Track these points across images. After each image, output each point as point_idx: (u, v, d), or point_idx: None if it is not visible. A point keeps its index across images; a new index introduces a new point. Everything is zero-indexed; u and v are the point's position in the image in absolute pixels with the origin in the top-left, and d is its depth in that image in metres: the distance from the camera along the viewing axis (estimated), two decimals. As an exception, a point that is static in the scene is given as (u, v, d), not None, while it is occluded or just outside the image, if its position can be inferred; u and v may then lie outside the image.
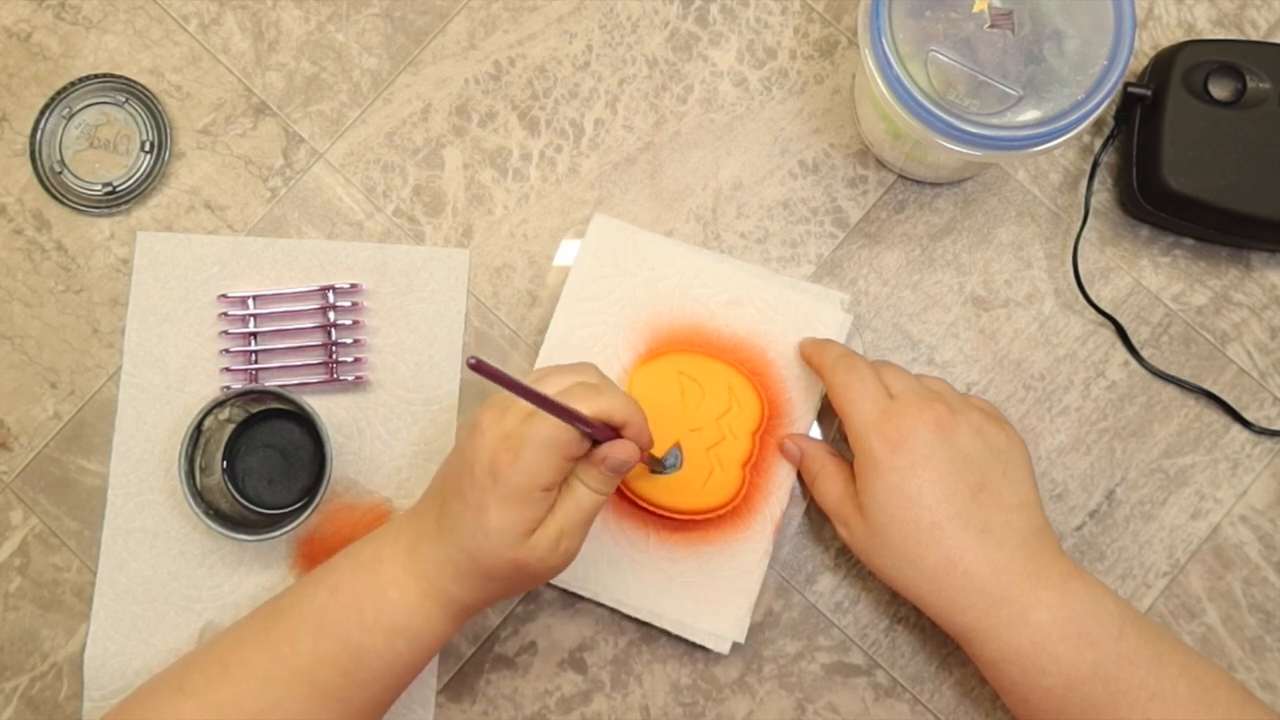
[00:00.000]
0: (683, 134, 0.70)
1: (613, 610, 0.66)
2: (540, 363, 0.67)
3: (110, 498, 0.67)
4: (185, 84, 0.70)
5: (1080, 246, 0.68)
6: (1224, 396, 0.67)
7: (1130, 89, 0.66)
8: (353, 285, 0.68)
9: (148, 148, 0.69)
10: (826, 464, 0.64)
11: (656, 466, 0.64)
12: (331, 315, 0.68)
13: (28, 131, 0.70)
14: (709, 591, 0.65)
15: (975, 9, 0.58)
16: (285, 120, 0.70)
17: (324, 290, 0.68)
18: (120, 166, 0.69)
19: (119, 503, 0.67)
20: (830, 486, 0.63)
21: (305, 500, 0.65)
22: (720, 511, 0.65)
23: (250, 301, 0.68)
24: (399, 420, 0.68)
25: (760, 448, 0.66)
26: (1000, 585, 0.58)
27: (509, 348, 0.69)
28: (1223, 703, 0.56)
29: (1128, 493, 0.67)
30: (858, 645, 0.67)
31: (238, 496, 0.67)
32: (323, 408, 0.66)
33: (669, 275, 0.67)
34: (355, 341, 0.68)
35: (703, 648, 0.66)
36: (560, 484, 0.55)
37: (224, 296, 0.68)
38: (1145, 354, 0.68)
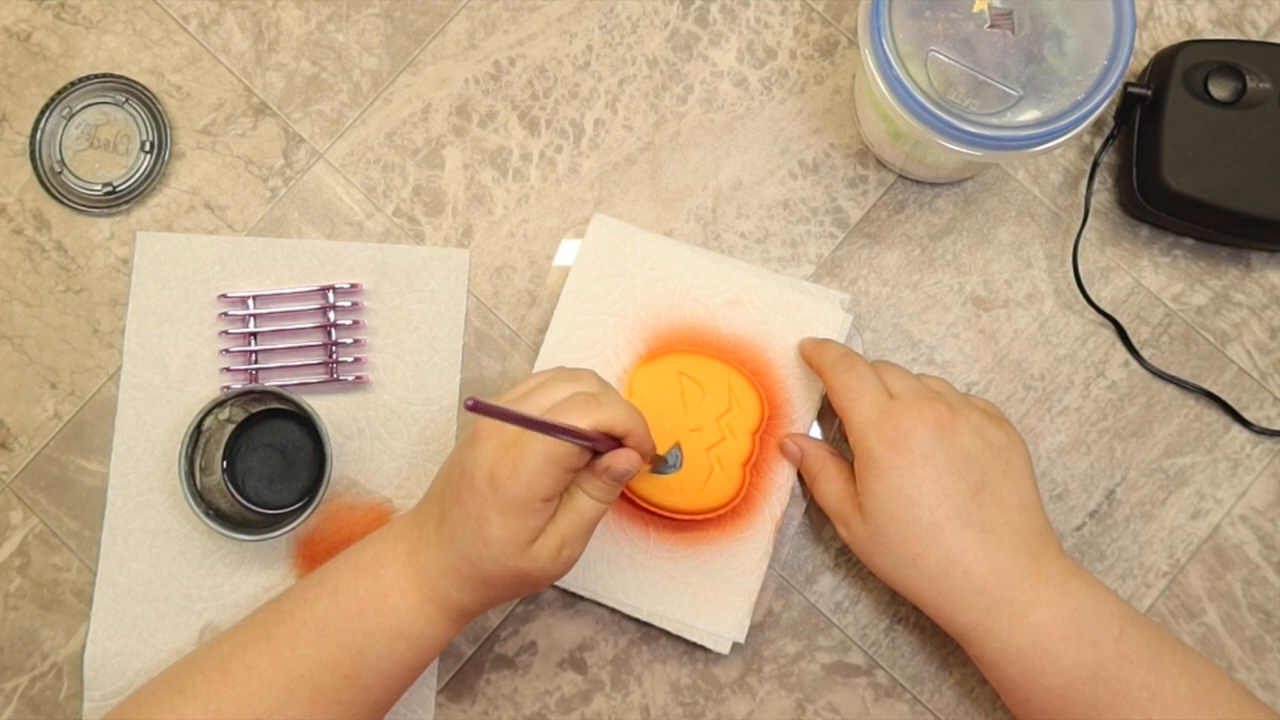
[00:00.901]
0: (683, 134, 0.70)
1: (613, 610, 0.66)
2: (540, 363, 0.67)
3: (110, 498, 0.67)
4: (185, 84, 0.70)
5: (1080, 246, 0.68)
6: (1224, 396, 0.67)
7: (1130, 89, 0.66)
8: (353, 285, 0.68)
9: (148, 148, 0.69)
10: (827, 464, 0.64)
11: (657, 465, 0.64)
12: (331, 315, 0.68)
13: (28, 131, 0.70)
14: (709, 591, 0.65)
15: (975, 9, 0.58)
16: (285, 120, 0.70)
17: (324, 290, 0.68)
18: (120, 166, 0.69)
19: (119, 503, 0.67)
20: (830, 486, 0.63)
21: (305, 500, 0.65)
22: (720, 511, 0.65)
23: (250, 301, 0.68)
24: (399, 420, 0.68)
25: (760, 448, 0.66)
26: (1000, 585, 0.57)
27: (509, 348, 0.69)
28: (1223, 703, 0.56)
29: (1128, 493, 0.67)
30: (858, 645, 0.67)
31: (238, 496, 0.67)
32: (323, 408, 0.66)
33: (669, 275, 0.67)
34: (355, 341, 0.68)
35: (703, 648, 0.66)
36: (561, 493, 0.55)
37: (224, 296, 0.68)
38: (1145, 354, 0.68)
